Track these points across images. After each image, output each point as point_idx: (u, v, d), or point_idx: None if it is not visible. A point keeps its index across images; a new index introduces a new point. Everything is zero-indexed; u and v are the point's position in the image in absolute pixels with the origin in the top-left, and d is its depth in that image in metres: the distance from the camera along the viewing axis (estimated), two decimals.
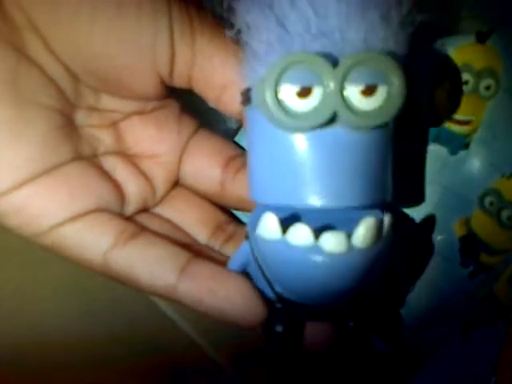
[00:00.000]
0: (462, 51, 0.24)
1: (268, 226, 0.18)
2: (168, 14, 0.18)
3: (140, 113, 0.22)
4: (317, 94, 0.17)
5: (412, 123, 0.24)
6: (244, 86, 0.18)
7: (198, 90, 0.20)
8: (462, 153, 0.25)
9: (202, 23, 0.19)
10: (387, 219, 0.18)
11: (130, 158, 0.22)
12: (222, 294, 0.19)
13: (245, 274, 0.20)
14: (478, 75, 0.24)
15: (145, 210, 0.22)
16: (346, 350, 0.23)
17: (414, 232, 0.25)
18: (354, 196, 0.18)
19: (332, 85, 0.16)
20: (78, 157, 0.20)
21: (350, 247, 0.17)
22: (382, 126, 0.17)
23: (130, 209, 0.21)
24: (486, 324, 0.25)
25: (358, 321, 0.20)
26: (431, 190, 0.25)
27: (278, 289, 0.19)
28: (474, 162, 0.25)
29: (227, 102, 0.20)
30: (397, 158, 0.19)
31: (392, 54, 0.17)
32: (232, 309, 0.19)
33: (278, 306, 0.19)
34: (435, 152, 0.25)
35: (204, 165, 0.23)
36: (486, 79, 0.24)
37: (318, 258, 0.17)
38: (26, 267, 0.22)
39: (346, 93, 0.17)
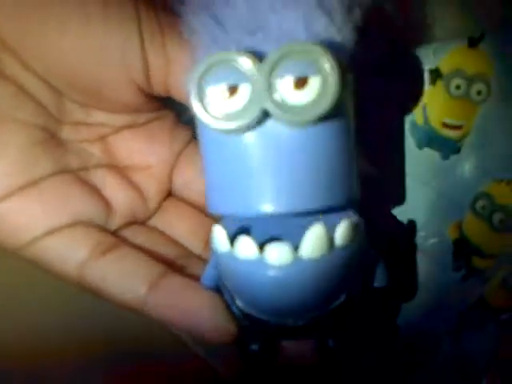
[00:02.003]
0: (453, 56, 0.24)
1: (217, 239, 0.17)
2: (137, 20, 0.18)
3: (131, 126, 0.22)
4: (244, 91, 0.16)
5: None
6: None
7: (177, 98, 0.20)
8: (453, 157, 0.25)
9: (171, 27, 0.18)
10: (344, 225, 0.16)
11: (120, 171, 0.22)
12: (188, 309, 0.18)
13: (216, 288, 0.19)
14: (470, 80, 0.24)
15: (137, 222, 0.22)
16: (329, 370, 0.22)
17: (396, 236, 0.25)
18: (304, 199, 0.16)
19: (259, 80, 0.15)
20: (62, 170, 0.20)
21: (297, 258, 0.16)
22: (326, 120, 0.16)
23: (118, 221, 0.21)
24: (478, 327, 0.25)
25: (337, 338, 0.19)
26: (424, 194, 0.25)
27: (239, 303, 0.18)
28: (466, 166, 0.25)
29: None
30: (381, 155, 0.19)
31: (336, 44, 0.16)
32: (199, 324, 0.18)
33: (245, 322, 0.18)
34: (427, 156, 0.25)
35: (195, 177, 0.23)
36: (478, 84, 0.24)
37: (264, 271, 0.16)
38: (22, 269, 0.22)
39: (275, 87, 0.15)
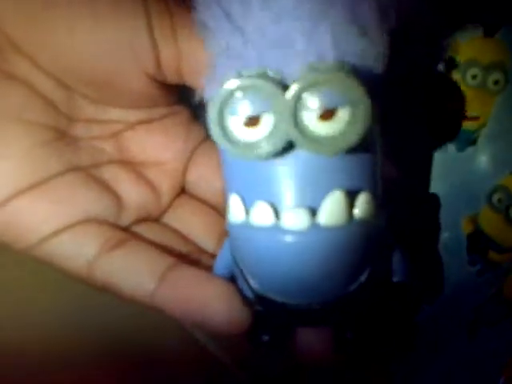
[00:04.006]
0: (469, 45, 0.24)
1: (232, 209, 0.17)
2: (146, 12, 0.18)
3: (146, 121, 0.22)
4: (267, 121, 0.15)
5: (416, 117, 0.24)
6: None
7: (190, 84, 0.19)
8: (469, 149, 0.24)
9: (181, 16, 0.18)
10: (365, 197, 0.16)
11: (134, 167, 0.22)
12: (199, 300, 0.18)
13: (230, 277, 0.19)
14: (486, 69, 0.23)
15: (150, 218, 0.22)
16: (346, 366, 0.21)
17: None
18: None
19: (282, 111, 0.15)
20: (73, 169, 0.20)
21: (315, 225, 0.15)
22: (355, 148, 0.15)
23: (130, 217, 0.21)
24: (495, 323, 0.24)
25: (357, 331, 0.18)
26: (439, 187, 0.25)
27: (253, 284, 0.17)
28: (482, 158, 0.24)
29: None
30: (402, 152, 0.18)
31: (366, 69, 0.15)
32: (212, 315, 0.18)
33: (259, 308, 0.18)
34: (442, 148, 0.24)
35: (209, 174, 0.22)
36: (495, 73, 0.23)
37: (280, 238, 0.16)
38: (26, 265, 0.22)
39: (300, 118, 0.15)
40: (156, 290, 0.18)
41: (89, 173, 0.20)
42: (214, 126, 0.15)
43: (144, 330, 0.26)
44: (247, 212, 0.16)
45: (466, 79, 0.24)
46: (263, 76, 0.15)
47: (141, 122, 0.22)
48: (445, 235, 0.25)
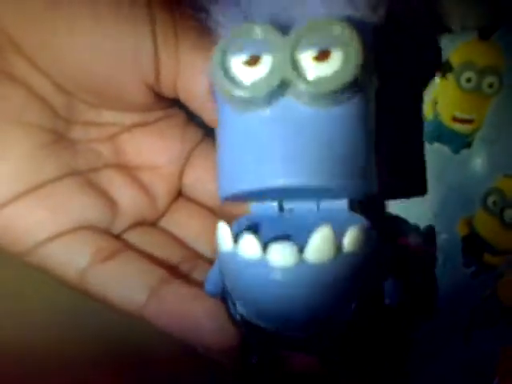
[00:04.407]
0: (464, 48, 0.24)
1: (220, 237, 0.17)
2: (150, 20, 0.18)
3: (142, 124, 0.22)
4: (266, 62, 0.16)
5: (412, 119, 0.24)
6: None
7: (182, 100, 0.19)
8: (464, 152, 0.24)
9: (185, 27, 0.18)
10: (354, 230, 0.16)
11: (129, 171, 0.22)
12: (188, 317, 0.18)
13: (220, 293, 0.18)
14: (481, 72, 0.23)
15: (146, 222, 0.22)
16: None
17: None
18: (318, 175, 0.16)
19: (282, 52, 0.16)
20: (69, 173, 0.20)
21: (301, 261, 0.15)
22: (346, 101, 0.16)
23: (125, 222, 0.21)
24: (489, 325, 0.25)
25: (343, 354, 0.18)
26: (434, 189, 0.25)
27: (240, 309, 0.17)
28: (477, 160, 0.24)
29: (210, 112, 0.19)
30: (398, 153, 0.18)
31: (359, 23, 0.16)
32: (200, 333, 0.18)
33: (244, 330, 0.18)
34: (437, 151, 0.25)
35: (205, 177, 0.22)
36: (489, 76, 0.23)
37: (265, 272, 0.15)
38: (26, 266, 0.22)
39: (297, 59, 0.16)
40: (146, 303, 0.18)
41: (85, 177, 0.20)
42: (216, 67, 0.16)
43: (142, 330, 0.26)
44: (236, 241, 0.16)
45: (460, 82, 0.24)
46: (265, 23, 0.16)
47: (137, 125, 0.22)
48: (441, 237, 0.25)
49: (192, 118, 0.23)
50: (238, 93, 0.16)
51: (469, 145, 0.24)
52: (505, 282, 0.24)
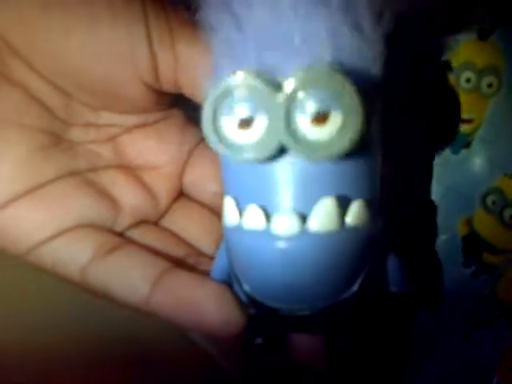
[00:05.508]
0: (463, 48, 0.24)
1: (226, 212, 0.17)
2: (144, 19, 0.18)
3: (141, 126, 0.22)
4: (259, 124, 0.15)
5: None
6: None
7: (187, 94, 0.19)
8: (463, 152, 0.24)
9: (179, 24, 0.18)
10: (358, 203, 0.16)
11: (130, 171, 0.22)
12: (194, 303, 0.18)
13: (226, 280, 0.18)
14: (480, 73, 0.24)
15: (148, 222, 0.22)
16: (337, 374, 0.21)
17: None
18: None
19: (276, 113, 0.14)
20: (69, 173, 0.20)
21: (304, 231, 0.15)
22: (349, 154, 0.15)
23: (127, 222, 0.21)
24: (489, 324, 0.25)
25: (349, 340, 0.18)
26: (434, 189, 0.25)
27: (246, 287, 0.17)
28: (476, 160, 0.24)
29: None
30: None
31: (363, 70, 0.15)
32: (206, 318, 0.18)
33: (251, 311, 0.18)
34: (437, 152, 0.25)
35: (206, 176, 0.22)
36: (488, 77, 0.24)
37: (270, 243, 0.15)
38: (26, 267, 0.22)
39: (294, 121, 0.15)
40: (150, 294, 0.18)
41: (86, 177, 0.20)
42: (208, 125, 0.15)
43: (144, 329, 0.27)
44: (241, 215, 0.16)
45: (460, 82, 0.24)
46: (259, 76, 0.15)
47: (137, 126, 0.22)
48: (441, 237, 0.25)
49: (192, 118, 0.23)
50: (233, 156, 0.15)
51: (468, 145, 0.24)
52: (504, 282, 0.24)
